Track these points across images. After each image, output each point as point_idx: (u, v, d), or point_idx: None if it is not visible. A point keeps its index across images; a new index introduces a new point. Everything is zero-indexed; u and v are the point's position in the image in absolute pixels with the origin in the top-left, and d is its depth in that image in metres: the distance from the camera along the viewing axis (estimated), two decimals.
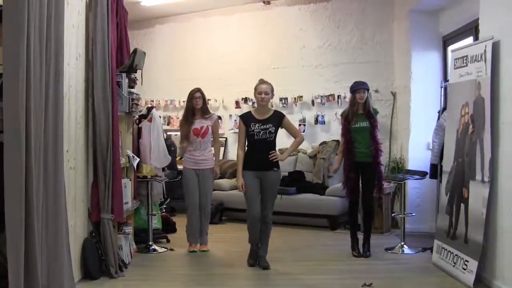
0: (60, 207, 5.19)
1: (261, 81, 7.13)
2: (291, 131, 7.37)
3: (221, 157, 10.30)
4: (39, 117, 4.77)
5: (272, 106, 9.83)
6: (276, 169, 7.06)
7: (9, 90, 4.41)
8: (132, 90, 7.48)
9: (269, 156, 6.96)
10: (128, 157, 7.44)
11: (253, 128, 6.97)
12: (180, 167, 8.76)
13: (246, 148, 7.13)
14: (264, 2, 11.49)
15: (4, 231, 4.44)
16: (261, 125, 6.98)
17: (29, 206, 4.53)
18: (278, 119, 7.10)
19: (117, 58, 7.16)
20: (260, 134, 6.95)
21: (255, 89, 7.07)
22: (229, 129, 11.77)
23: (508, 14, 5.88)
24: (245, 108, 11.45)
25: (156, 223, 8.57)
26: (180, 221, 9.31)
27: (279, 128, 7.16)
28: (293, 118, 10.53)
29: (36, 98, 4.69)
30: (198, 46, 12.05)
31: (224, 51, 11.77)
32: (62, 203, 5.23)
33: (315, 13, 11.13)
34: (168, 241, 8.65)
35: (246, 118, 7.12)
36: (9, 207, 4.41)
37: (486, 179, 6.09)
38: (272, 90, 7.12)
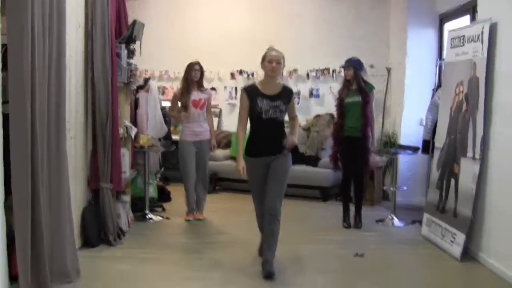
0: (63, 176, 5.32)
1: (271, 48, 5.86)
2: (291, 109, 6.11)
3: (215, 128, 10.38)
4: (42, 87, 4.86)
5: None
6: (286, 152, 5.91)
7: (14, 60, 4.50)
8: (131, 61, 7.53)
9: (284, 144, 5.86)
10: (126, 127, 7.54)
11: (260, 105, 5.71)
12: (174, 137, 8.87)
13: (250, 129, 6.00)
14: None
15: (11, 194, 4.57)
16: (270, 101, 5.74)
17: (34, 173, 4.68)
18: (288, 95, 5.92)
19: (116, 28, 7.19)
20: (270, 113, 5.74)
21: (264, 57, 5.80)
22: (224, 100, 11.83)
23: None
24: (240, 80, 11.58)
25: (152, 192, 8.68)
26: (175, 191, 9.47)
27: None
28: None
29: (40, 69, 4.78)
30: (193, 17, 12.03)
31: (220, 23, 11.75)
32: (64, 172, 5.34)
33: None
34: (163, 210, 8.79)
35: (251, 92, 5.82)
36: (16, 172, 4.55)
37: (477, 156, 6.24)
38: (284, 60, 5.83)
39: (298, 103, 10.82)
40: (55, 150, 5.19)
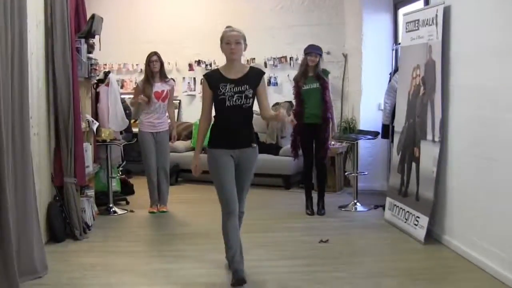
0: (28, 173, 5.31)
1: (230, 28, 5.24)
2: (261, 98, 5.32)
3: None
4: (6, 84, 4.84)
5: None
6: (254, 145, 5.35)
7: None
8: (91, 55, 7.52)
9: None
10: (88, 121, 7.52)
11: (223, 91, 5.09)
12: (135, 130, 8.88)
13: (215, 118, 5.35)
14: None
15: None
16: (234, 86, 5.11)
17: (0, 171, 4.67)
18: (256, 78, 5.25)
19: (75, 23, 7.10)
20: (234, 99, 5.10)
21: (222, 39, 5.19)
22: (182, 91, 11.84)
23: None
24: (198, 71, 11.59)
25: (115, 185, 8.68)
26: (137, 183, 9.47)
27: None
28: None
29: (2, 66, 4.77)
30: (150, 9, 12.01)
31: (176, 14, 11.75)
32: (29, 169, 5.34)
33: None
34: (127, 203, 8.80)
35: (212, 78, 5.20)
36: None
37: (436, 139, 6.37)
38: (245, 39, 5.22)
39: None
40: (20, 147, 5.18)
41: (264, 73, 5.42)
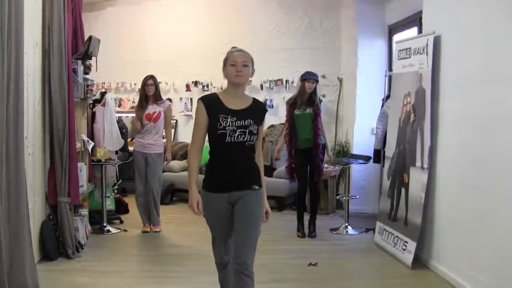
0: (21, 192, 5.36)
1: (236, 49, 4.51)
2: (258, 138, 4.58)
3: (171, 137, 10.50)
4: (1, 105, 4.93)
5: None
6: (256, 187, 4.43)
7: None
8: (87, 76, 7.63)
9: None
10: (83, 141, 7.62)
11: (223, 124, 4.30)
12: (131, 148, 8.97)
13: (210, 154, 4.50)
14: None
15: None
16: (236, 119, 4.33)
17: None
18: (261, 113, 4.53)
19: (72, 44, 7.26)
20: (236, 135, 4.32)
21: (226, 60, 4.46)
22: (179, 111, 11.95)
23: (450, 10, 6.23)
24: (195, 91, 11.71)
25: (109, 204, 8.76)
26: (132, 202, 9.48)
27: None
28: None
29: None
30: (149, 29, 12.15)
31: (175, 34, 11.88)
32: (23, 188, 5.39)
33: None
34: (121, 222, 8.86)
35: (212, 105, 4.39)
36: None
37: (425, 165, 6.46)
38: (253, 63, 4.47)
39: None
40: (14, 166, 5.23)
41: (265, 108, 4.74)
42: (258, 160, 4.60)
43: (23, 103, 5.45)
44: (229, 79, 4.43)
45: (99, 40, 7.74)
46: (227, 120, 4.32)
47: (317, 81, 8.10)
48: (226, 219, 4.46)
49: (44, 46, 6.58)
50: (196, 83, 11.83)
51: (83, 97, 7.52)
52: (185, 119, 11.92)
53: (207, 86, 11.64)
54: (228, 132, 4.31)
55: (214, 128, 4.33)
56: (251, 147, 4.45)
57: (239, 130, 4.33)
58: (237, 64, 4.33)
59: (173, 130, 11.46)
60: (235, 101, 4.39)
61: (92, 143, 7.96)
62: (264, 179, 4.60)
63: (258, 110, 4.50)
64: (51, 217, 6.70)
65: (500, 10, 5.14)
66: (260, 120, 4.46)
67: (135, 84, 11.99)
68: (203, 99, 4.44)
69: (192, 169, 4.48)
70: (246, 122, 4.35)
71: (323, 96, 10.20)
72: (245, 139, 4.36)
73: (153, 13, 12.13)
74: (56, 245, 6.64)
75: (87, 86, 7.56)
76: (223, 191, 4.39)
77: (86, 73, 7.59)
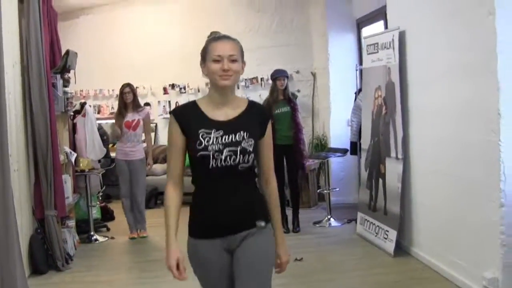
0: (9, 209, 5.48)
1: (218, 35, 3.23)
2: (263, 156, 3.35)
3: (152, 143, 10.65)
4: None
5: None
6: (262, 223, 3.24)
7: None
8: (66, 89, 7.75)
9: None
10: (66, 153, 7.74)
11: (205, 143, 3.12)
12: (113, 155, 9.11)
13: (195, 186, 3.31)
14: None
15: None
16: (223, 134, 3.16)
17: None
18: (259, 120, 3.29)
19: (50, 59, 7.34)
20: (224, 157, 3.13)
21: (205, 53, 3.19)
22: (158, 114, 12.09)
23: (413, 5, 6.45)
24: (173, 94, 11.95)
25: (95, 213, 8.87)
26: (117, 208, 9.59)
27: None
28: None
29: None
30: (123, 35, 12.22)
31: (149, 39, 11.96)
32: (10, 204, 5.50)
33: None
34: (108, 229, 8.98)
35: (187, 117, 3.21)
36: None
37: (399, 156, 6.67)
38: (243, 53, 3.23)
39: None
40: (1, 185, 5.35)
41: (268, 114, 3.50)
42: (267, 187, 3.38)
43: (6, 122, 5.55)
44: (212, 81, 3.17)
45: (76, 53, 7.85)
46: (209, 137, 3.12)
47: (287, 77, 8.26)
48: (222, 274, 3.25)
49: (23, 63, 6.70)
50: (173, 86, 11.98)
51: (63, 110, 7.64)
52: (164, 122, 12.03)
53: (184, 88, 11.83)
54: (211, 153, 3.10)
55: (193, 149, 3.12)
56: (248, 170, 3.22)
57: (228, 149, 3.12)
58: (222, 60, 3.09)
59: (153, 134, 11.59)
60: (221, 109, 3.19)
61: (75, 154, 8.09)
62: (279, 214, 3.41)
63: (255, 116, 3.26)
64: (39, 230, 6.81)
65: (460, 6, 5.34)
66: (259, 130, 3.25)
67: (113, 90, 12.09)
68: (175, 112, 3.25)
69: (168, 212, 3.26)
70: (237, 137, 3.15)
71: (298, 91, 10.43)
72: (237, 160, 3.13)
73: (126, 19, 12.20)
74: (45, 258, 6.75)
75: (67, 99, 7.69)
76: (215, 236, 3.20)
77: (65, 86, 7.71)
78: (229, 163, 3.14)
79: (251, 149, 3.18)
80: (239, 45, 3.24)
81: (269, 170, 3.39)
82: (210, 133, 3.15)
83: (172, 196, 3.27)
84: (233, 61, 3.15)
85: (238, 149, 3.14)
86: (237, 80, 3.26)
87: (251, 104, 3.33)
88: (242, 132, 3.18)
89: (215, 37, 3.23)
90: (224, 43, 3.19)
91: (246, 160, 3.17)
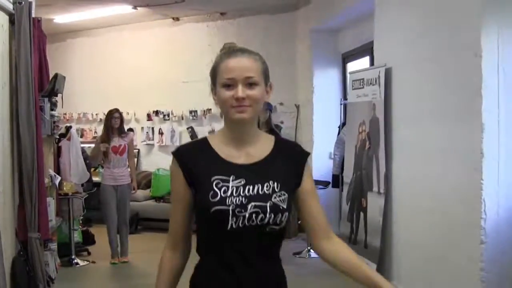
0: None
1: (232, 49, 2.46)
2: (309, 209, 2.56)
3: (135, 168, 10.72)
4: None
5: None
6: None
7: None
8: (53, 112, 7.80)
9: None
10: (51, 176, 7.78)
11: (221, 194, 2.33)
12: (95, 179, 9.17)
13: (202, 252, 2.48)
14: (173, 19, 11.91)
15: None
16: (245, 183, 2.36)
17: None
18: (294, 164, 2.50)
19: (38, 81, 7.34)
20: (247, 214, 2.32)
21: (216, 72, 2.42)
22: (141, 141, 12.16)
23: (400, 44, 6.57)
24: (157, 121, 12.07)
25: (77, 236, 8.89)
26: (98, 232, 9.68)
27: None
28: (203, 130, 11.13)
29: None
30: (109, 60, 12.37)
31: (135, 65, 12.11)
32: None
33: (223, 29, 11.60)
34: (89, 253, 8.99)
35: (193, 160, 2.43)
36: None
37: (381, 190, 6.76)
38: (267, 72, 2.46)
39: None
40: None
41: (306, 153, 2.57)
42: (332, 244, 2.66)
43: None
44: (224, 114, 2.43)
45: (64, 77, 7.94)
46: (227, 186, 2.35)
47: (270, 110, 8.36)
48: None
49: (12, 85, 6.74)
50: (157, 113, 12.07)
51: (50, 133, 7.69)
52: (147, 148, 12.16)
53: (168, 115, 11.91)
54: (231, 208, 2.32)
55: (204, 203, 2.34)
56: (279, 235, 2.49)
57: (253, 203, 2.34)
58: (235, 84, 2.33)
59: (135, 160, 11.66)
60: (240, 150, 2.44)
61: (59, 178, 8.13)
62: (364, 263, 2.66)
63: (287, 159, 2.49)
64: (21, 253, 6.82)
65: (447, 46, 5.48)
66: (294, 178, 2.48)
67: (96, 114, 12.21)
68: (178, 153, 2.47)
69: (159, 280, 2.61)
70: (265, 188, 2.37)
71: (282, 123, 10.54)
72: (266, 220, 2.34)
73: (113, 44, 12.38)
74: (27, 280, 6.69)
75: (54, 122, 7.76)
76: None
77: (52, 109, 7.76)
78: (255, 223, 2.33)
79: (284, 206, 2.37)
80: (261, 62, 2.45)
81: (325, 225, 2.60)
82: (228, 181, 2.35)
83: (169, 259, 2.58)
84: (252, 85, 2.35)
85: (268, 205, 2.34)
86: (259, 110, 2.43)
87: (280, 142, 2.55)
88: (271, 182, 2.39)
89: (227, 52, 2.45)
90: (239, 60, 2.38)
91: (278, 221, 2.37)
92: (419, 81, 6.08)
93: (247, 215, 2.31)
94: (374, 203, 6.97)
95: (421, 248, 6.04)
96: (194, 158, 2.43)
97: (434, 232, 5.77)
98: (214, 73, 2.45)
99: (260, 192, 2.36)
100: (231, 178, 2.36)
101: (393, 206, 6.67)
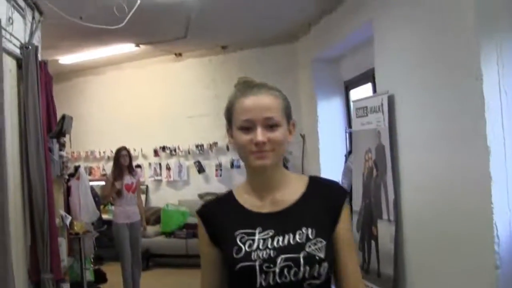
0: (8, 273, 5.51)
1: (247, 84, 2.39)
2: (342, 259, 2.21)
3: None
4: None
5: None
6: None
7: None
8: (62, 153, 7.87)
9: None
10: (61, 216, 7.82)
11: (245, 248, 2.13)
12: (105, 217, 9.21)
13: None
14: (176, 54, 12.03)
15: None
16: (273, 234, 2.15)
17: None
18: (330, 204, 2.23)
19: (46, 123, 7.41)
20: (277, 269, 2.07)
21: (231, 111, 2.31)
22: (149, 176, 12.22)
23: (399, 70, 6.63)
24: (164, 156, 12.15)
25: (89, 275, 8.88)
26: (110, 270, 9.67)
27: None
28: (210, 164, 11.18)
29: None
30: (114, 98, 12.50)
31: (140, 101, 12.23)
32: (9, 270, 5.55)
33: (225, 63, 11.73)
34: None
35: (215, 217, 2.29)
36: None
37: (391, 218, 6.76)
38: (289, 111, 2.38)
39: (220, 175, 11.37)
40: (2, 251, 5.43)
41: (347, 192, 2.37)
42: None
43: (6, 185, 5.63)
44: (243, 160, 2.26)
45: (71, 118, 7.99)
46: (252, 239, 2.15)
47: None
48: None
49: (21, 127, 6.80)
50: (163, 148, 12.14)
51: (59, 173, 7.74)
52: (155, 184, 12.21)
53: (175, 150, 11.97)
54: (258, 263, 2.10)
55: (229, 260, 2.16)
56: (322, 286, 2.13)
57: (283, 256, 2.10)
58: (254, 127, 2.15)
59: (144, 196, 11.71)
60: (266, 197, 2.24)
61: (70, 217, 8.16)
62: None
63: (322, 200, 2.23)
64: None
65: (448, 70, 5.53)
66: (330, 221, 2.21)
67: (104, 152, 12.27)
68: (202, 212, 2.32)
69: None
70: (297, 237, 2.13)
71: (290, 153, 10.59)
72: (300, 274, 2.08)
73: (117, 82, 12.51)
74: None
75: (63, 162, 7.82)
76: None
77: (61, 150, 7.82)
78: (288, 278, 2.06)
79: (322, 255, 2.09)
80: (282, 99, 2.29)
81: (356, 281, 2.30)
82: (254, 234, 2.14)
83: None
84: (273, 126, 2.15)
85: (301, 256, 2.08)
86: (282, 153, 2.22)
87: (314, 181, 2.29)
88: (304, 230, 2.13)
89: (243, 88, 2.27)
90: (256, 98, 2.19)
91: (315, 274, 2.08)
92: (422, 107, 6.12)
93: (277, 271, 2.06)
94: (384, 230, 6.96)
95: (435, 275, 6.02)
96: (218, 214, 2.26)
97: (447, 258, 5.75)
98: (229, 113, 2.27)
99: (291, 242, 2.10)
100: (257, 231, 2.15)
101: (404, 233, 6.66)
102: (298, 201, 2.20)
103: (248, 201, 2.24)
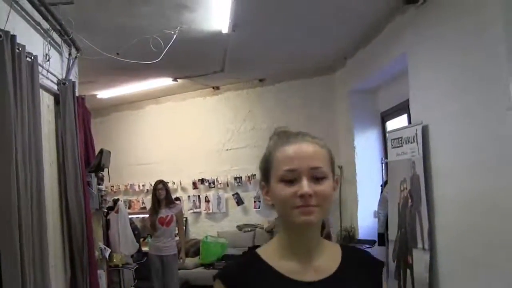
0: None
1: (289, 132, 2.01)
2: None
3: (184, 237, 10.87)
4: (27, 231, 5.29)
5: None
6: None
7: (1, 200, 4.94)
8: (100, 187, 8.02)
9: None
10: (101, 249, 7.95)
11: None
12: (145, 249, 9.33)
13: None
14: (213, 88, 12.21)
15: None
16: None
17: None
18: (368, 276, 1.99)
19: (84, 157, 7.58)
20: None
21: (270, 162, 1.93)
22: (188, 209, 12.33)
23: (433, 101, 6.68)
24: (202, 189, 12.28)
25: None
26: None
27: None
28: (248, 196, 11.26)
29: (23, 206, 5.22)
30: (153, 131, 12.70)
31: (178, 135, 12.42)
32: None
33: (263, 95, 11.89)
34: None
35: (240, 283, 1.88)
36: None
37: (426, 247, 6.76)
38: (333, 164, 1.96)
39: (259, 206, 11.46)
40: (40, 280, 5.56)
41: (383, 263, 2.12)
42: None
43: (45, 219, 5.72)
44: (283, 217, 1.92)
45: (109, 152, 8.16)
46: None
47: None
48: None
49: (59, 163, 6.95)
50: (202, 181, 12.27)
51: (98, 207, 7.88)
52: (194, 216, 12.32)
53: (213, 183, 12.09)
54: None
55: None
56: None
57: None
58: (299, 177, 1.86)
59: (184, 228, 11.83)
60: (302, 262, 1.94)
61: (109, 250, 8.29)
62: None
63: (361, 270, 2.01)
64: None
65: (478, 102, 5.56)
66: None
67: (143, 185, 12.46)
68: (223, 277, 1.93)
69: None
70: None
71: None
72: None
73: (155, 116, 12.72)
74: None
75: (101, 196, 7.95)
76: None
77: (99, 184, 7.98)
78: None
79: None
80: (327, 149, 1.97)
81: None
82: None
83: None
84: (319, 179, 1.87)
85: None
86: (328, 211, 2.03)
87: (347, 250, 2.07)
88: None
89: (283, 137, 1.99)
90: (301, 146, 1.91)
91: None
92: (455, 137, 6.15)
93: None
94: (419, 259, 6.96)
95: None
96: (248, 280, 1.90)
97: (482, 286, 5.74)
98: (267, 164, 1.95)
99: None
100: None
101: (439, 261, 6.66)
102: (338, 271, 1.95)
103: (284, 266, 1.91)
